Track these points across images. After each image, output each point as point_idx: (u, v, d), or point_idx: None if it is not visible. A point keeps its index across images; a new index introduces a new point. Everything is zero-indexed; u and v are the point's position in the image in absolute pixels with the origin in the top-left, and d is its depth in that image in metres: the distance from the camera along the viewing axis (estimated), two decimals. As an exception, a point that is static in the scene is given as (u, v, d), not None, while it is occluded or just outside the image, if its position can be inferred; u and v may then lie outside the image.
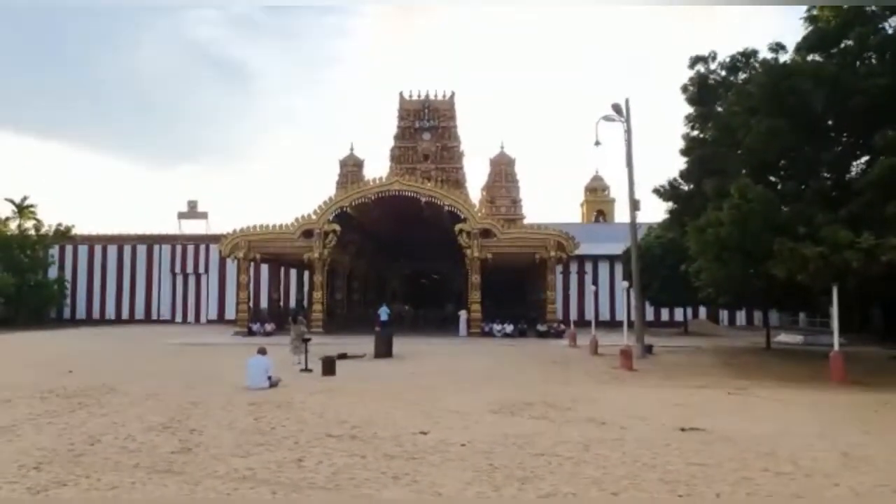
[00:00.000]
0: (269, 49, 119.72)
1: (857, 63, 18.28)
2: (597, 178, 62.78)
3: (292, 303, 40.60)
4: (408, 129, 45.13)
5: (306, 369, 16.03)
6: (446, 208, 31.58)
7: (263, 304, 40.19)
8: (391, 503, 5.77)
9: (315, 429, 8.94)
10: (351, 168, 46.36)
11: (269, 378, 13.07)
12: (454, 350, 23.84)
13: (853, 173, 18.89)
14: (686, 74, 22.65)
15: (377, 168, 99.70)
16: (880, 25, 18.45)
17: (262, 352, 13.64)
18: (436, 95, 45.41)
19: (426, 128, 44.85)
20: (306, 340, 17.42)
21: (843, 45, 18.93)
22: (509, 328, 31.55)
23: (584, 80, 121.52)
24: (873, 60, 18.10)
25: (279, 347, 19.60)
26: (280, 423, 9.37)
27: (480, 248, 31.10)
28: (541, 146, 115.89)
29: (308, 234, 31.62)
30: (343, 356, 18.70)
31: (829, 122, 19.19)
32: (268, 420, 9.56)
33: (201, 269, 46.53)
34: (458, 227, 31.35)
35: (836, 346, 15.53)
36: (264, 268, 41.06)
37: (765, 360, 20.95)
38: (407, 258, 44.32)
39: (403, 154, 44.74)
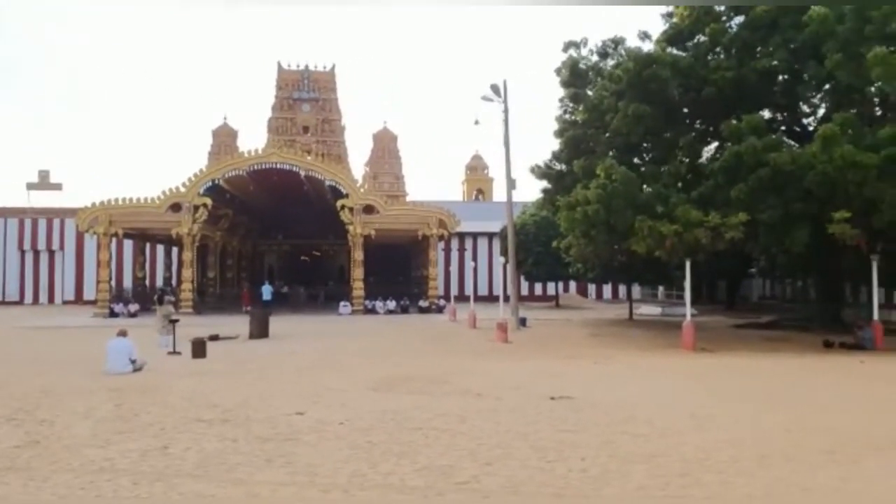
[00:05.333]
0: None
1: (710, 56, 19.83)
2: (477, 158, 64.03)
3: (159, 281, 38.26)
4: (286, 99, 43.66)
5: (174, 352, 15.20)
6: (327, 183, 30.93)
7: (127, 283, 37.55)
8: (264, 486, 5.61)
9: (183, 414, 8.50)
10: (224, 139, 44.30)
11: (133, 362, 12.25)
12: (335, 329, 23.55)
13: (704, 158, 20.59)
14: (560, 58, 23.54)
15: (254, 139, 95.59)
16: (728, 25, 20.12)
17: (123, 334, 12.74)
18: (316, 67, 44.24)
19: (306, 99, 43.61)
20: (174, 322, 16.50)
21: (697, 40, 20.47)
22: (392, 305, 31.69)
23: (467, 61, 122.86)
24: (722, 55, 19.71)
25: (144, 329, 18.44)
26: (144, 409, 8.81)
27: (363, 224, 30.79)
28: (423, 125, 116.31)
29: (176, 207, 29.80)
30: (215, 337, 17.90)
31: (686, 110, 20.74)
32: (130, 406, 8.96)
33: (55, 246, 42.60)
34: (339, 202, 30.82)
35: (689, 317, 16.99)
36: (128, 244, 38.35)
37: (627, 331, 22.53)
38: (286, 234, 43.07)
39: (282, 126, 43.27)
